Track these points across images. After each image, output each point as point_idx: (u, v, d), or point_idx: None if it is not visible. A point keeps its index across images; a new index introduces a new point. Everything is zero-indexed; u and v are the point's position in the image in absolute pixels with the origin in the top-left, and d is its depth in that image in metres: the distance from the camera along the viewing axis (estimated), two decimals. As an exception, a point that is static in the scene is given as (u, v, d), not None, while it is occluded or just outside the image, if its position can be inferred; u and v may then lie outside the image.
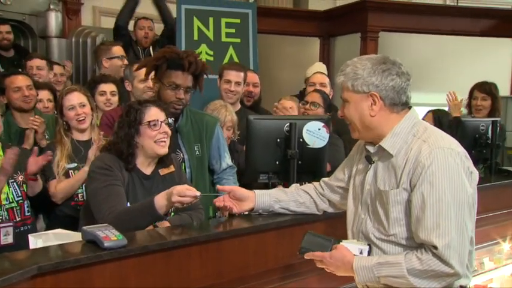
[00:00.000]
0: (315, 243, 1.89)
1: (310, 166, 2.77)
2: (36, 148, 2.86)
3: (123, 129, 2.35)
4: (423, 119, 4.33)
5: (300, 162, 2.69)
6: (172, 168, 2.48)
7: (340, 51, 7.33)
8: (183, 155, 2.89)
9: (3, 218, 2.80)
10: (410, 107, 1.87)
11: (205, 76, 2.92)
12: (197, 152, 2.94)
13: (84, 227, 1.84)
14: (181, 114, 2.91)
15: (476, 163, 3.81)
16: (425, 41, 7.03)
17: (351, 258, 1.81)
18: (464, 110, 4.64)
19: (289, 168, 2.66)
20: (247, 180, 2.82)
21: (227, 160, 3.09)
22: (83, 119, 3.07)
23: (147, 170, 2.43)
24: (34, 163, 2.78)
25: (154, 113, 2.36)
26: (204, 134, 2.98)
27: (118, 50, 4.42)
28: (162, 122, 2.36)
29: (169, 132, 2.39)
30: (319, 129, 2.74)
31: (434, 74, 6.87)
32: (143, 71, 2.95)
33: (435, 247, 1.66)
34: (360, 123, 1.84)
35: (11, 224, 2.80)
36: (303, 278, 2.22)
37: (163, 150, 2.37)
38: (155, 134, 2.34)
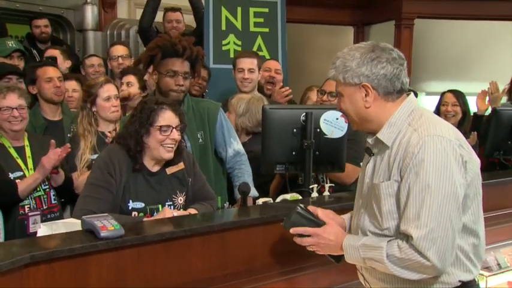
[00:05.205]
0: (304, 221, 1.83)
1: (328, 157, 2.72)
2: (53, 141, 2.86)
3: (133, 125, 2.29)
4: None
5: (317, 152, 2.64)
6: (181, 166, 2.42)
7: (375, 41, 7.07)
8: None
9: (31, 206, 2.87)
10: (408, 94, 1.77)
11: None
12: (200, 140, 2.91)
13: (84, 216, 1.84)
14: (182, 102, 2.89)
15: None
16: (464, 27, 6.71)
17: (343, 235, 1.78)
18: (504, 98, 4.42)
19: (305, 159, 2.60)
20: (264, 171, 2.77)
21: (234, 146, 3.03)
22: (117, 111, 3.13)
23: (154, 168, 2.37)
24: (53, 157, 2.80)
25: (168, 117, 2.29)
26: (207, 121, 2.95)
27: (115, 50, 4.48)
28: (174, 128, 2.30)
29: (179, 138, 2.33)
30: (337, 119, 2.66)
31: (475, 63, 6.58)
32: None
33: (411, 237, 1.59)
34: (356, 116, 1.77)
35: (39, 212, 2.88)
36: (311, 273, 2.16)
37: (168, 155, 2.30)
38: (163, 139, 2.28)
